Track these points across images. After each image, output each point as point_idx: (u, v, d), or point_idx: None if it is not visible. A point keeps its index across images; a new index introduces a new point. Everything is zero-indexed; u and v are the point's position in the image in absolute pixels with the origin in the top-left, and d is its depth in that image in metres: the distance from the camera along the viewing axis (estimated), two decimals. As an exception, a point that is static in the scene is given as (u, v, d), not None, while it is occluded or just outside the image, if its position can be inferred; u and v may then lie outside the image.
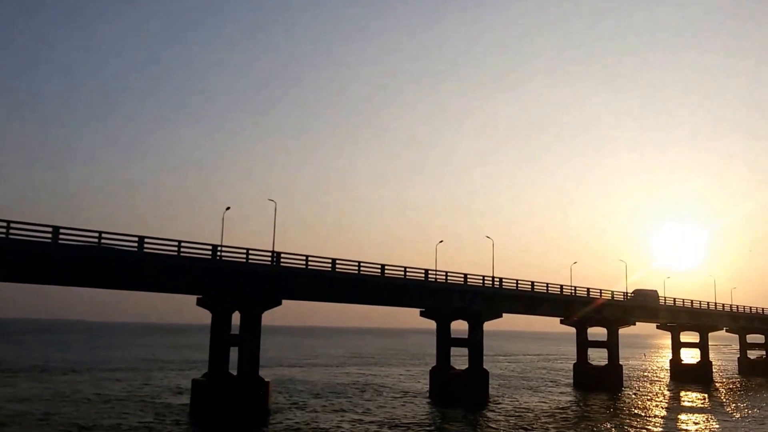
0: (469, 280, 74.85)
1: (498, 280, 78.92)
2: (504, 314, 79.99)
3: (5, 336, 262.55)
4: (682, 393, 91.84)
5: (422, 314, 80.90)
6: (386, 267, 65.61)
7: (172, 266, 50.59)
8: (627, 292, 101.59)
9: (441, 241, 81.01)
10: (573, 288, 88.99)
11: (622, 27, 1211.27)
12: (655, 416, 66.39)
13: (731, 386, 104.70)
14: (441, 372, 79.43)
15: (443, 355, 79.89)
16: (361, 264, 63.32)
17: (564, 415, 64.99)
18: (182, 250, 50.98)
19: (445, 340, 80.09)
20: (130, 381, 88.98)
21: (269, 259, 57.08)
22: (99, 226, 49.38)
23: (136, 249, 47.88)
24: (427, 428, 54.70)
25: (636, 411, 70.67)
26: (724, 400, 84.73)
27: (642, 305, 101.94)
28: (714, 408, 75.30)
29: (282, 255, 57.57)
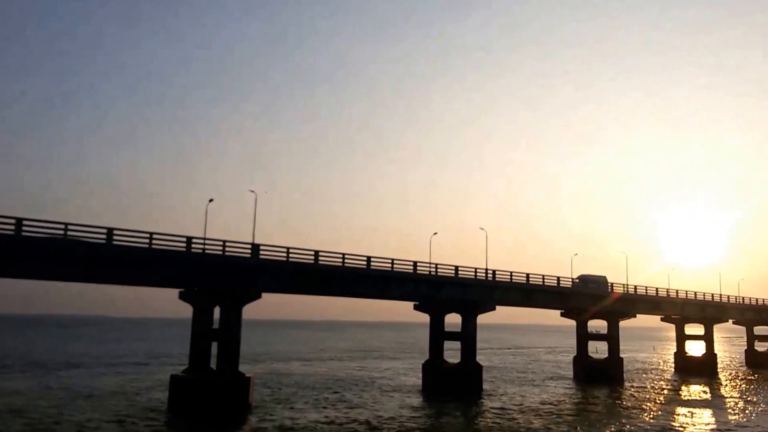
0: (460, 271, 73.11)
1: (491, 271, 77.16)
2: (498, 306, 78.07)
3: (19, 331, 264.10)
4: (684, 386, 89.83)
5: (416, 307, 79.23)
6: (372, 258, 63.90)
7: (144, 258, 49.26)
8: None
9: (435, 233, 79.45)
10: (571, 279, 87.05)
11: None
12: (650, 410, 64.44)
13: (735, 379, 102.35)
14: (434, 366, 77.76)
15: (436, 348, 78.18)
16: (345, 256, 61.76)
17: (556, 409, 63.20)
18: (157, 242, 49.67)
19: (438, 334, 78.43)
20: (124, 375, 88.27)
21: (248, 251, 55.63)
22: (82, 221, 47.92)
23: (104, 241, 46.59)
24: (409, 424, 53.14)
25: (631, 404, 68.84)
26: (725, 392, 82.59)
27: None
28: (712, 401, 73.30)
29: (261, 247, 56.08)
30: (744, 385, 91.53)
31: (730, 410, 65.70)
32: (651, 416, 60.49)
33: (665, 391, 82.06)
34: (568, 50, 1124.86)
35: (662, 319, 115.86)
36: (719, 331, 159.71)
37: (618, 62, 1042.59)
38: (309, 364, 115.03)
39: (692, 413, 63.18)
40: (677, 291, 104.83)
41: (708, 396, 78.74)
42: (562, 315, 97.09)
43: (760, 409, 66.93)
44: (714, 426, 56.81)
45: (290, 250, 57.53)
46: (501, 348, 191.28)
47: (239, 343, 56.77)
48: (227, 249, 54.60)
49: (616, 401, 72.36)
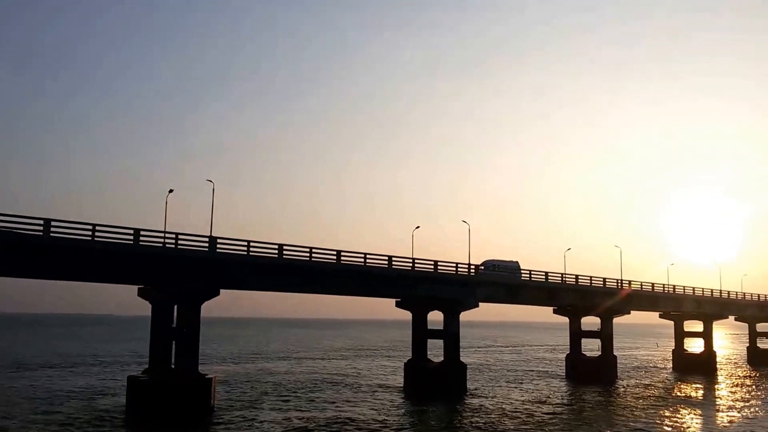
0: (440, 267, 69.74)
1: (473, 267, 73.73)
2: (481, 303, 74.69)
3: (16, 330, 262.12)
4: (679, 384, 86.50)
5: (398, 305, 76.22)
6: (342, 252, 60.67)
7: (87, 252, 46.19)
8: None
9: (418, 227, 76.07)
10: (561, 275, 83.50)
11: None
12: (636, 409, 61.18)
13: (734, 377, 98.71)
14: (416, 365, 74.50)
15: (419, 347, 74.90)
16: (313, 250, 58.61)
17: (539, 410, 59.96)
18: (101, 235, 46.64)
19: (420, 332, 75.13)
20: (99, 376, 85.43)
21: (206, 245, 52.48)
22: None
23: (41, 233, 43.56)
24: (372, 426, 49.91)
25: (618, 404, 65.81)
26: (720, 392, 79.26)
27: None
28: (704, 401, 70.15)
29: (219, 240, 52.88)
30: (742, 384, 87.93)
31: (720, 411, 62.49)
32: (635, 417, 57.23)
33: (657, 390, 78.55)
34: (566, 40, 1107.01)
35: (660, 316, 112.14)
36: (727, 328, 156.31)
37: (622, 53, 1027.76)
38: (296, 364, 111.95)
39: (681, 414, 59.99)
40: (674, 286, 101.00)
41: (701, 395, 75.47)
42: (555, 312, 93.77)
43: (753, 409, 63.43)
44: (699, 428, 53.53)
45: (251, 244, 54.29)
46: (496, 346, 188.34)
47: (198, 342, 53.74)
48: (187, 243, 51.62)
49: (603, 401, 69.16)
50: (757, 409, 63.76)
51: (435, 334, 74.25)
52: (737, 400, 70.63)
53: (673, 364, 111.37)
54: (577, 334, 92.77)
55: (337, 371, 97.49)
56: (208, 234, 53.12)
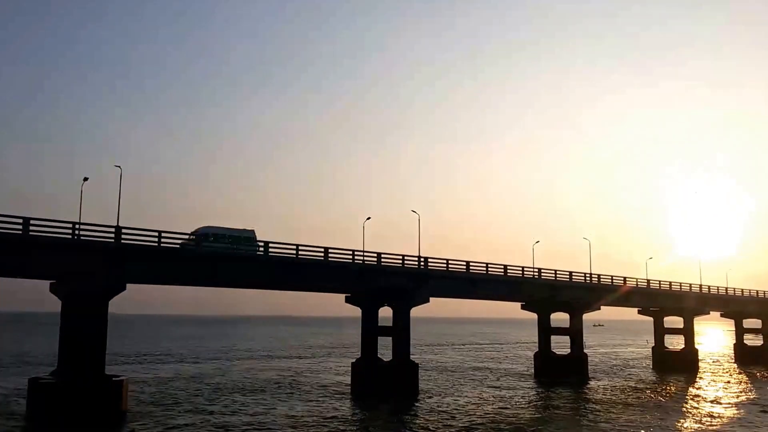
0: (384, 259, 65.56)
1: (423, 259, 69.47)
2: (441, 299, 70.59)
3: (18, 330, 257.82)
4: (653, 384, 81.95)
5: (347, 300, 72.17)
6: (270, 244, 56.64)
7: None
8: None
9: (368, 218, 71.80)
10: (521, 268, 79.18)
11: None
12: (596, 411, 56.79)
13: (716, 376, 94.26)
14: (365, 364, 70.21)
15: (368, 345, 70.56)
16: (269, 244, 55.17)
17: (492, 410, 56.06)
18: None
19: (370, 329, 70.88)
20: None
21: (112, 235, 48.36)
22: None
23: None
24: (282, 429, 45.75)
25: (579, 405, 61.44)
26: (694, 391, 74.57)
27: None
28: (674, 402, 65.45)
29: (123, 230, 48.74)
30: (722, 384, 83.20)
31: (686, 415, 57.73)
32: (592, 419, 52.97)
33: (626, 392, 73.92)
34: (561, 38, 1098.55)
35: (639, 312, 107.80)
36: (727, 325, 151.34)
37: (627, 46, 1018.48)
38: (245, 363, 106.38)
39: (646, 415, 55.38)
40: (648, 281, 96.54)
41: (670, 397, 70.58)
42: (523, 308, 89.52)
43: (726, 412, 58.87)
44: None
45: (163, 235, 50.14)
46: (463, 344, 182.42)
47: (105, 341, 49.70)
48: (91, 234, 47.57)
49: (565, 401, 64.90)
50: (727, 413, 59.26)
51: (384, 331, 70.11)
52: (711, 401, 66.13)
53: (652, 362, 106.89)
54: (545, 331, 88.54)
55: (287, 371, 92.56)
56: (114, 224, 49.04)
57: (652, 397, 68.61)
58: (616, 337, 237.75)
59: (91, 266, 47.56)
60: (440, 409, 57.13)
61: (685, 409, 60.34)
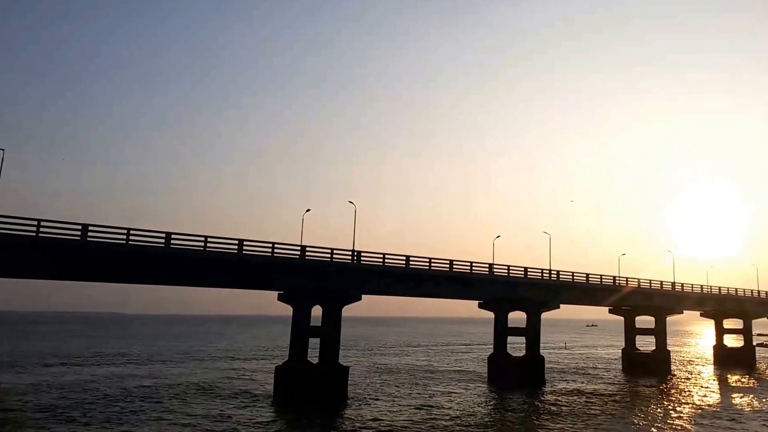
0: (307, 253, 60.17)
1: (357, 252, 64.02)
2: (364, 295, 64.94)
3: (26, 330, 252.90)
4: (617, 389, 76.19)
5: (280, 298, 66.87)
6: (209, 238, 53.06)
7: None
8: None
9: (308, 210, 66.62)
10: (470, 263, 73.58)
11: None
12: (536, 420, 51.32)
13: (689, 380, 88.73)
14: (291, 368, 64.57)
15: (298, 347, 65.07)
16: (172, 235, 50.48)
17: (419, 418, 50.25)
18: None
19: (299, 329, 65.45)
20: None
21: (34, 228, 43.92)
22: None
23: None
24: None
25: (524, 414, 55.86)
26: (662, 398, 68.99)
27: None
28: (634, 409, 59.90)
29: (43, 223, 44.31)
30: (694, 389, 77.31)
31: (641, 423, 52.23)
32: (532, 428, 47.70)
33: (581, 396, 68.53)
34: (576, 42, 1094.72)
35: (610, 311, 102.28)
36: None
37: (631, 49, 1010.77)
38: (201, 365, 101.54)
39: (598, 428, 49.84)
40: (614, 277, 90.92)
41: (625, 403, 64.97)
42: (480, 306, 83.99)
43: (686, 424, 53.34)
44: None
45: (89, 228, 45.86)
46: (429, 345, 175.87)
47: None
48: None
49: (509, 409, 59.30)
50: (691, 422, 53.82)
51: (314, 331, 64.75)
52: (671, 409, 60.59)
53: (622, 364, 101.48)
54: (501, 331, 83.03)
55: (228, 374, 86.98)
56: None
57: (602, 405, 62.94)
58: (606, 337, 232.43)
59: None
60: (362, 416, 51.89)
61: (637, 418, 54.72)
